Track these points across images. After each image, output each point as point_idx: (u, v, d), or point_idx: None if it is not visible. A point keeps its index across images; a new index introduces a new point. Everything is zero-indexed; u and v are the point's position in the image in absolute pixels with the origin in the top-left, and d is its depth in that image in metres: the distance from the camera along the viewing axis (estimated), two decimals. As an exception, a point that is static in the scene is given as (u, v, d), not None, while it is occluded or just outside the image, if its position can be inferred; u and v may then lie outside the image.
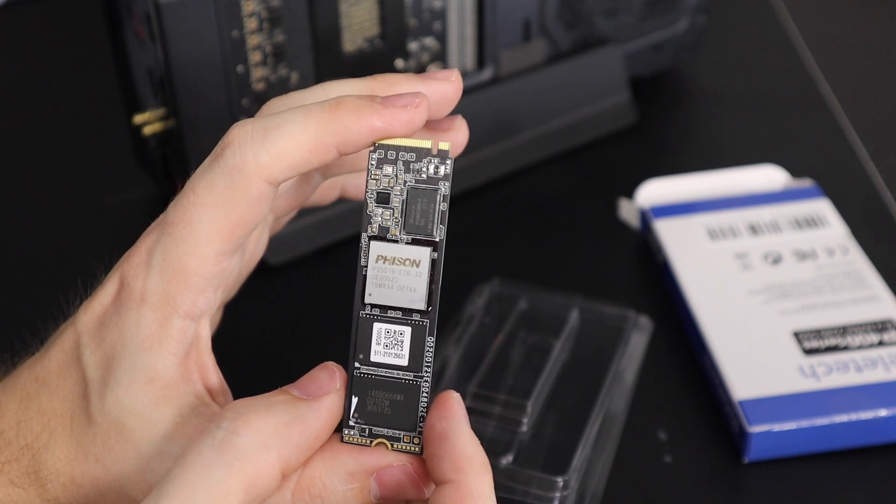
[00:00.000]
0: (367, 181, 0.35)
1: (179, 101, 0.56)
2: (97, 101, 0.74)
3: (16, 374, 0.39)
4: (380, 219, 0.35)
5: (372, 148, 0.35)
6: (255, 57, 0.58)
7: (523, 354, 0.54)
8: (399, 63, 0.64)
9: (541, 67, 0.68)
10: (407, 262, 0.35)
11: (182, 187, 0.37)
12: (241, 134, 0.35)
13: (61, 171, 0.70)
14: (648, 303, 0.59)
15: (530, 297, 0.57)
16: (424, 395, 0.35)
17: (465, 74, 0.67)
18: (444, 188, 0.35)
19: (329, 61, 0.61)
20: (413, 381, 0.35)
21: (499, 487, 0.47)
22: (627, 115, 0.72)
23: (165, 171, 0.61)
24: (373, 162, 0.35)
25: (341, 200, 0.61)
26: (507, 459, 0.49)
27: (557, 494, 0.47)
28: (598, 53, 0.70)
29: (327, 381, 0.35)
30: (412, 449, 0.35)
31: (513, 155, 0.68)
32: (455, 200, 0.66)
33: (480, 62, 0.67)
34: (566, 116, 0.70)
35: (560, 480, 0.47)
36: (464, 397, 0.51)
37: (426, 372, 0.35)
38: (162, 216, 0.37)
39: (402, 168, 0.35)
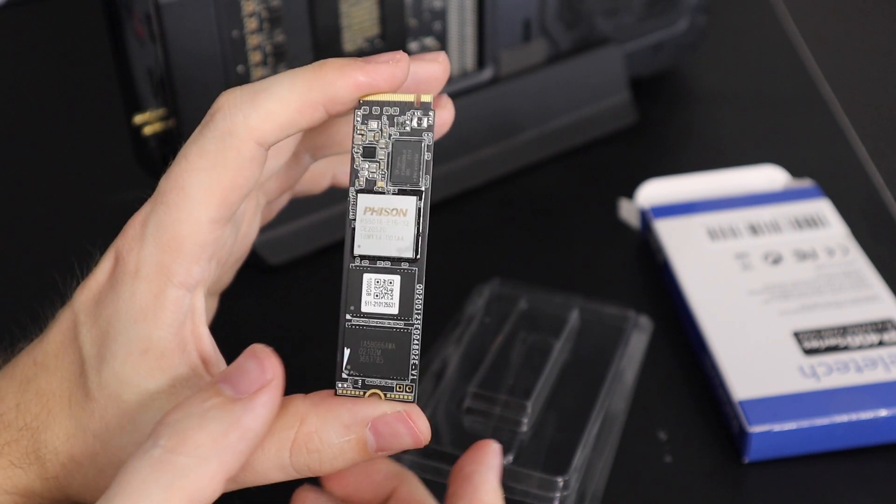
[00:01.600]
0: (353, 137, 0.36)
1: (179, 101, 0.56)
2: (97, 101, 0.74)
3: (15, 361, 0.40)
4: (366, 172, 0.36)
5: (357, 105, 0.36)
6: (256, 57, 0.58)
7: (523, 354, 0.54)
8: (399, 63, 0.64)
9: (541, 67, 0.68)
10: (394, 212, 0.36)
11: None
12: (231, 98, 0.36)
13: (61, 171, 0.70)
14: (648, 303, 0.59)
15: (530, 297, 0.57)
16: (416, 342, 0.36)
17: (465, 74, 0.67)
18: (428, 139, 0.36)
19: (329, 61, 0.61)
20: (404, 328, 0.36)
21: (499, 487, 0.48)
22: (627, 115, 0.72)
23: (166, 171, 0.61)
24: (358, 118, 0.36)
25: (340, 201, 0.62)
26: (507, 459, 0.49)
27: (557, 494, 0.47)
28: (598, 53, 0.70)
29: (258, 375, 0.34)
30: (406, 397, 0.36)
31: (513, 155, 0.68)
32: (455, 200, 0.66)
33: (480, 62, 0.67)
34: (566, 116, 0.70)
35: (560, 480, 0.47)
36: (464, 397, 0.51)
37: (416, 319, 0.36)
38: (155, 191, 0.38)
39: (387, 122, 0.36)
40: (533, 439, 0.50)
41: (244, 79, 0.58)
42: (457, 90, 0.66)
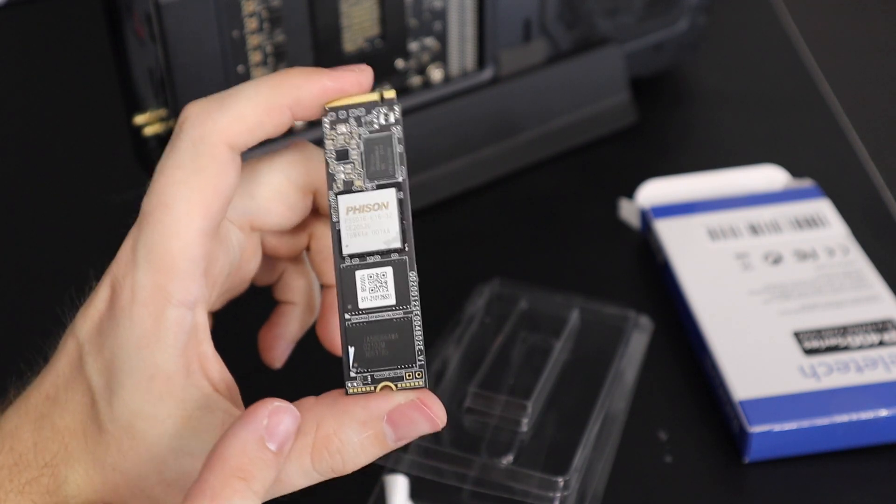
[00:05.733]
0: (324, 144, 0.37)
1: (180, 101, 0.56)
2: (97, 101, 0.74)
3: (27, 395, 0.39)
4: (342, 174, 0.36)
5: (323, 113, 0.37)
6: (256, 57, 0.58)
7: (524, 354, 0.54)
8: (399, 63, 0.64)
9: (541, 67, 0.68)
10: (376, 207, 0.36)
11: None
12: (196, 106, 0.37)
13: (61, 171, 0.70)
14: (649, 303, 0.59)
15: (531, 297, 0.57)
16: (417, 327, 0.36)
17: (465, 74, 0.67)
18: (398, 132, 0.36)
19: (329, 61, 0.61)
20: (404, 317, 0.36)
21: (499, 487, 0.47)
22: (627, 115, 0.72)
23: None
24: (326, 124, 0.37)
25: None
26: (507, 459, 0.49)
27: (558, 494, 0.47)
28: (598, 53, 0.70)
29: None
30: (417, 384, 0.36)
31: (513, 155, 0.68)
32: (455, 200, 0.66)
33: (480, 62, 0.67)
34: (566, 116, 0.70)
35: (560, 480, 0.47)
36: (464, 397, 0.51)
37: (415, 305, 0.36)
38: (140, 212, 0.38)
39: (355, 123, 0.36)
40: (533, 439, 0.50)
41: (244, 78, 0.58)
42: (457, 90, 0.66)
